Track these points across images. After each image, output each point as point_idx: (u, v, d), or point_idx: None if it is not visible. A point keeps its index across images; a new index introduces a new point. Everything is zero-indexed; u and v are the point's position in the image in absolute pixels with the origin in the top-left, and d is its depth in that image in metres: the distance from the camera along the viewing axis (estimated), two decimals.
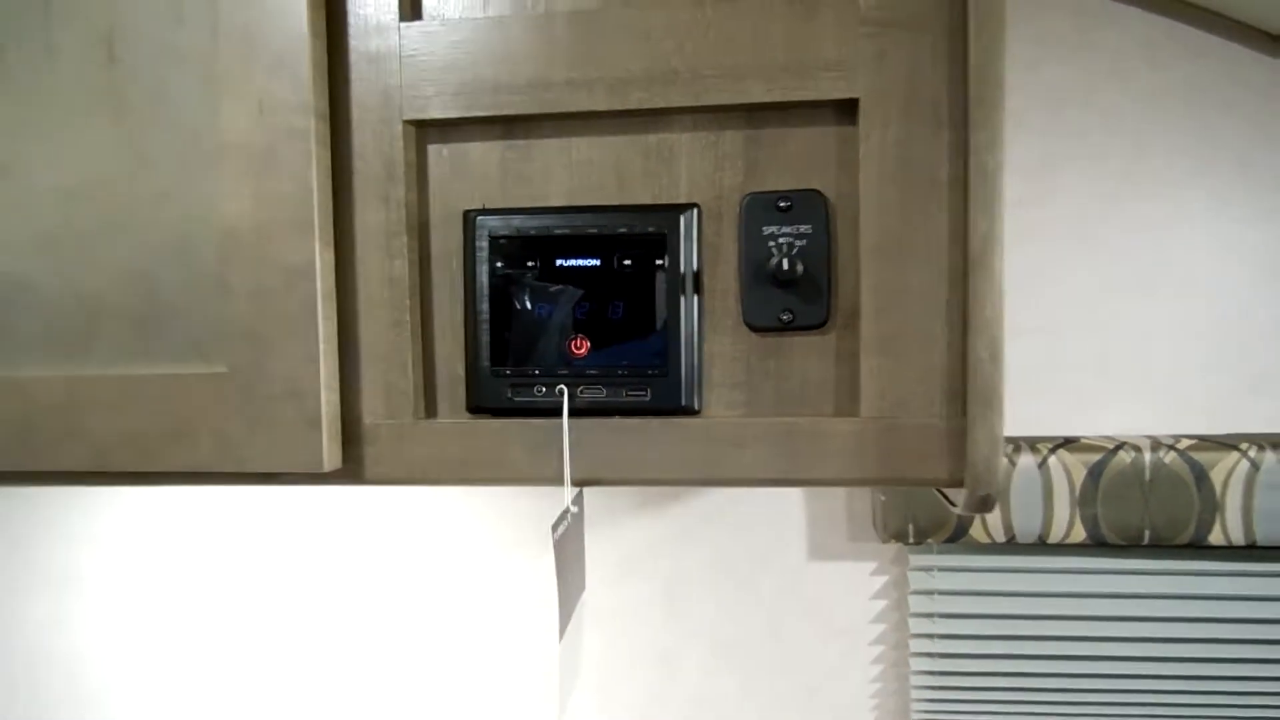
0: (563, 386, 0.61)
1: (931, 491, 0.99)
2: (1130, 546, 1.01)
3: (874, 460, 0.59)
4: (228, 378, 0.61)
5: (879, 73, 0.56)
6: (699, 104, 0.58)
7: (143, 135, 0.63)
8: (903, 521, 1.01)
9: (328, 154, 0.61)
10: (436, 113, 0.60)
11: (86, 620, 1.23)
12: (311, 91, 0.59)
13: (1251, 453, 0.96)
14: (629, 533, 1.13)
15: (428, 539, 1.16)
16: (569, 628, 0.66)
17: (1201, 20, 0.98)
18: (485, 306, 0.61)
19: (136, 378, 0.63)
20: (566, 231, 0.60)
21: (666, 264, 0.59)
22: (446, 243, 0.63)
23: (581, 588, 0.70)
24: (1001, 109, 0.53)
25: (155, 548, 1.20)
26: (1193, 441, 0.98)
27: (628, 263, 0.60)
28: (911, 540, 1.02)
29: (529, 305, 0.61)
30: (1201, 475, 0.96)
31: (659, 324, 0.60)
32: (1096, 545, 1.01)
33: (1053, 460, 0.98)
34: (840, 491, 1.10)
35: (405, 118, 0.61)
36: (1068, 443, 1.00)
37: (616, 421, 0.61)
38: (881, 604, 1.12)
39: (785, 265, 0.58)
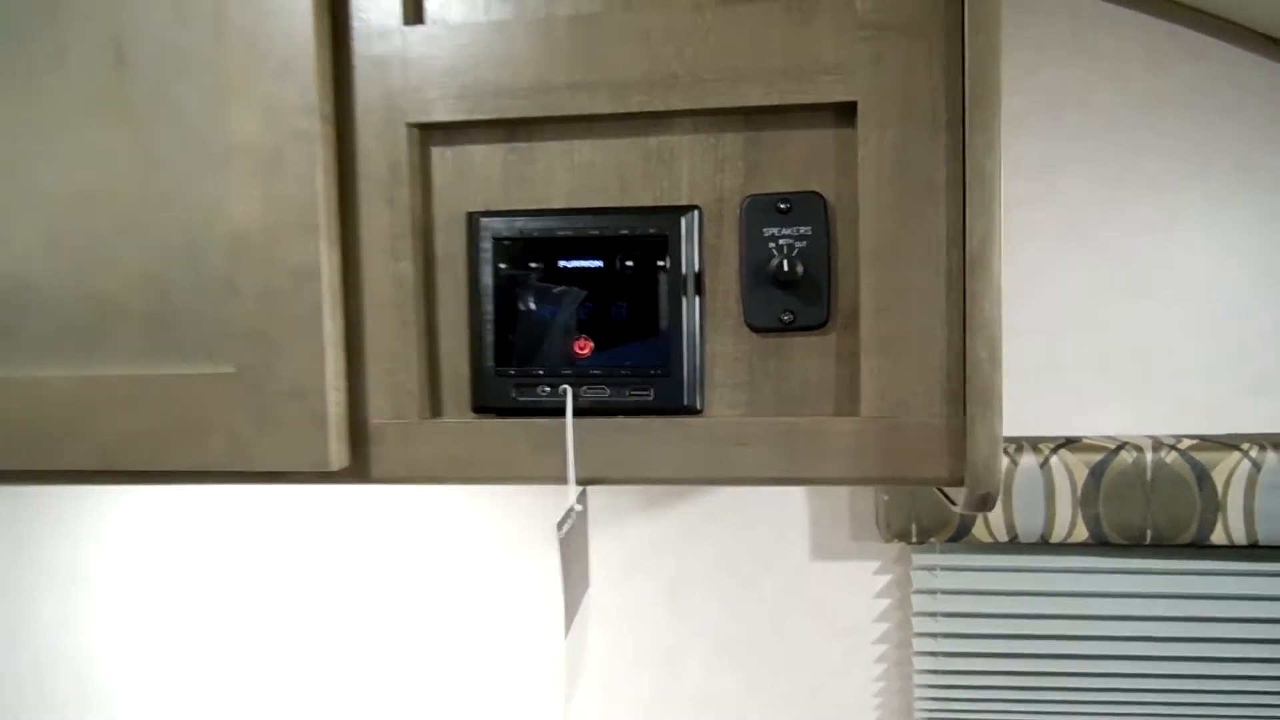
0: (566, 386, 0.62)
1: (933, 491, 1.00)
2: (1132, 546, 1.02)
3: (874, 459, 0.59)
4: (235, 378, 0.62)
5: (877, 76, 0.56)
6: (699, 107, 0.58)
7: (150, 138, 0.63)
8: (906, 521, 1.01)
9: (333, 157, 0.62)
10: (440, 116, 0.61)
11: (94, 619, 1.24)
12: (317, 95, 0.60)
13: (1253, 453, 0.96)
14: (633, 532, 1.14)
15: (433, 537, 1.17)
16: (574, 625, 0.66)
17: (1201, 23, 0.99)
18: (489, 307, 0.62)
19: (145, 378, 0.63)
20: (569, 233, 0.61)
21: (668, 265, 0.60)
22: (451, 244, 0.64)
23: (586, 585, 0.70)
24: (998, 112, 0.54)
25: (162, 547, 1.21)
26: (1194, 441, 0.98)
27: (630, 264, 0.60)
28: (914, 539, 1.02)
29: (532, 306, 0.62)
30: (1203, 475, 0.97)
31: (661, 325, 0.60)
32: (1099, 545, 1.01)
33: (1054, 460, 0.99)
34: (843, 491, 1.11)
35: (409, 121, 0.62)
36: (1069, 443, 1.00)
37: (619, 421, 0.62)
38: (884, 603, 1.12)
39: (785, 266, 0.58)
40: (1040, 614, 1.05)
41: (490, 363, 0.62)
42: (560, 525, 0.62)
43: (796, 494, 1.11)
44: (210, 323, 0.63)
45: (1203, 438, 0.99)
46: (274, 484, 0.65)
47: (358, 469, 0.64)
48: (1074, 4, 1.01)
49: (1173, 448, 0.98)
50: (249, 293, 0.62)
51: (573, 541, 0.65)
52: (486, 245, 0.62)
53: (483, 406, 0.63)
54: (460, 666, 1.18)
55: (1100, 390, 1.05)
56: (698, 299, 0.61)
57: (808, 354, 0.61)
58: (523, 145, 0.62)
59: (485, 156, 0.63)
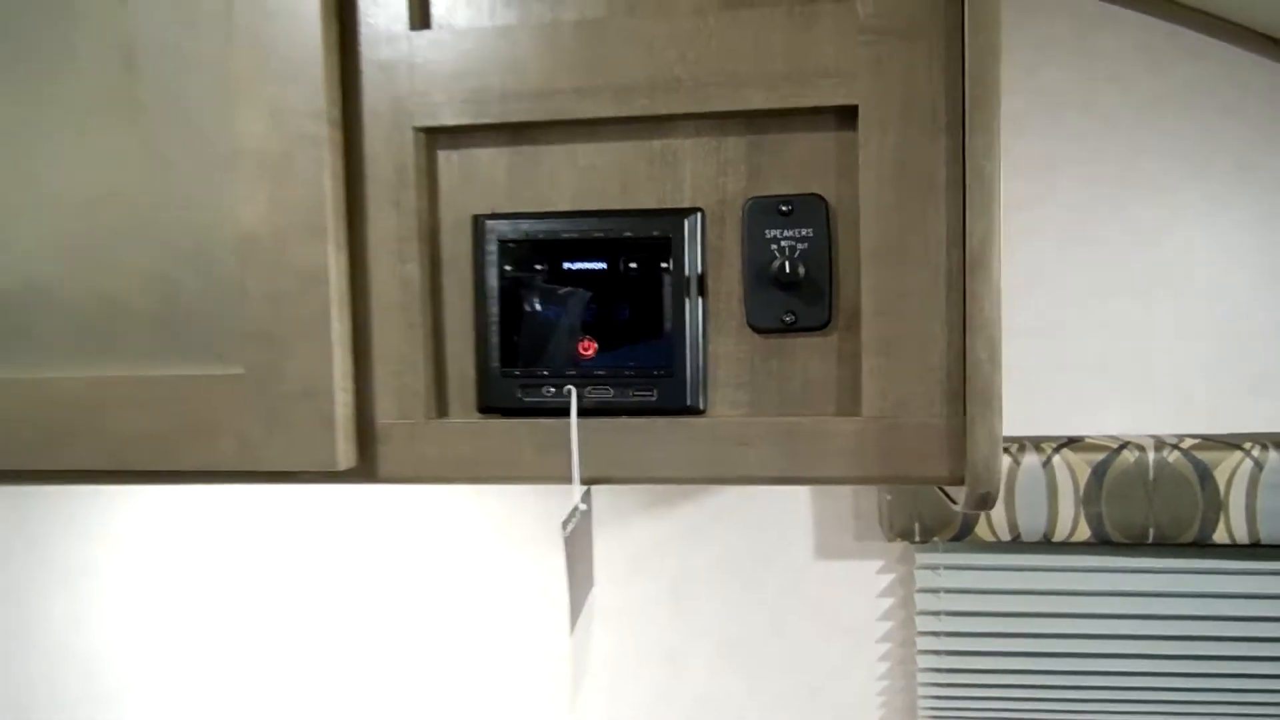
0: (571, 387, 0.62)
1: (935, 490, 1.00)
2: (1135, 545, 1.02)
3: (875, 459, 0.60)
4: (245, 379, 0.63)
5: (877, 79, 0.57)
6: (702, 111, 0.59)
7: (160, 141, 0.64)
8: (909, 520, 1.02)
9: (341, 160, 0.62)
10: (446, 120, 0.62)
11: (103, 618, 1.25)
12: (324, 99, 0.61)
13: (1255, 452, 0.96)
14: (637, 531, 1.15)
15: (439, 537, 1.18)
16: (579, 624, 0.67)
17: (1201, 24, 0.99)
18: (495, 309, 0.63)
19: (154, 379, 0.64)
20: (573, 235, 0.61)
21: (671, 267, 0.61)
22: (457, 246, 0.64)
23: (590, 584, 0.71)
24: (998, 114, 0.54)
25: (171, 546, 1.22)
26: (1196, 441, 0.99)
27: (633, 266, 0.61)
28: (917, 539, 1.02)
29: (537, 307, 0.62)
30: (1205, 474, 0.97)
31: (664, 326, 0.61)
32: (1101, 544, 1.02)
33: (1057, 459, 0.99)
34: (847, 490, 1.11)
35: (416, 125, 0.62)
36: (1072, 442, 1.01)
37: (623, 421, 0.62)
38: (888, 602, 1.12)
39: (787, 268, 0.59)
40: (1043, 613, 1.05)
41: (496, 364, 0.63)
42: (565, 524, 0.63)
43: (800, 494, 1.12)
44: (219, 324, 0.64)
45: (1205, 437, 1.00)
46: (282, 484, 0.66)
47: (365, 469, 0.65)
48: (1074, 4, 1.02)
49: (1175, 447, 0.98)
50: (257, 294, 0.62)
51: (577, 541, 0.66)
52: (492, 248, 0.62)
53: (488, 407, 0.64)
54: (465, 664, 1.19)
55: (1101, 390, 1.06)
56: (700, 300, 0.61)
57: (809, 354, 0.61)
58: (528, 149, 0.63)
59: (491, 160, 0.63)
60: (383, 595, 1.19)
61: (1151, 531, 0.98)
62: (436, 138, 0.64)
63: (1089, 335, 1.05)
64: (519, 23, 0.61)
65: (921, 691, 1.10)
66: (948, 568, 1.07)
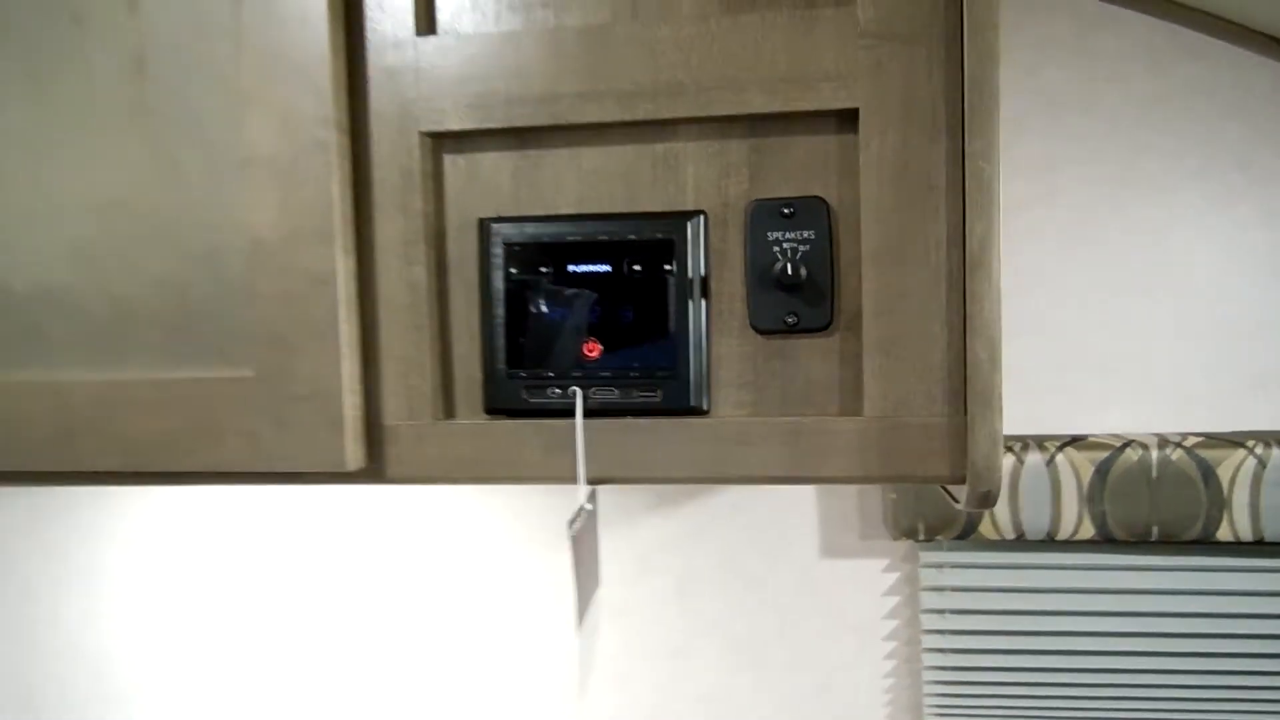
0: (576, 388, 0.63)
1: (938, 489, 1.01)
2: (1139, 543, 1.03)
3: (877, 458, 0.60)
4: (255, 381, 0.64)
5: (877, 83, 0.57)
6: (704, 114, 0.60)
7: (171, 148, 0.65)
8: (913, 519, 1.02)
9: (348, 165, 0.63)
10: (452, 125, 0.62)
11: (113, 618, 1.26)
12: (332, 105, 0.62)
13: (1258, 450, 0.97)
14: (643, 531, 1.15)
15: (446, 537, 1.18)
16: (586, 622, 0.67)
17: (1202, 23, 0.99)
18: (501, 311, 0.63)
19: (166, 381, 0.65)
20: (578, 238, 0.62)
21: (675, 269, 0.61)
22: (463, 249, 0.65)
23: (597, 583, 0.72)
24: (996, 117, 0.55)
25: (180, 547, 1.23)
26: (1199, 439, 0.99)
27: (637, 268, 0.62)
28: (922, 537, 1.03)
29: (543, 310, 0.63)
30: (1209, 472, 0.97)
31: (668, 327, 0.62)
32: (1105, 542, 1.02)
33: (1060, 458, 1.00)
34: (851, 489, 1.12)
35: (422, 129, 0.63)
36: (1075, 441, 1.01)
37: (628, 422, 0.63)
38: (893, 600, 1.13)
39: (790, 270, 0.59)
40: (1047, 610, 1.06)
41: (502, 365, 0.64)
42: (571, 524, 0.64)
43: (805, 493, 1.12)
44: (229, 327, 0.65)
45: (1208, 435, 1.00)
46: (292, 484, 0.66)
47: (373, 469, 0.66)
48: (1075, 4, 1.02)
49: (1178, 445, 0.98)
50: (267, 298, 0.63)
51: (583, 540, 0.67)
52: (498, 250, 0.63)
53: (495, 408, 0.64)
54: (473, 663, 1.20)
55: (1103, 389, 1.06)
56: (704, 302, 0.62)
57: (812, 355, 0.62)
58: (532, 153, 0.64)
59: (496, 164, 0.64)
60: (390, 595, 1.20)
61: (1155, 529, 0.99)
62: (442, 142, 0.64)
63: (1091, 334, 1.06)
64: (523, 28, 0.62)
65: (927, 689, 1.10)
66: (952, 566, 1.07)
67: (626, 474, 0.63)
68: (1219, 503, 0.97)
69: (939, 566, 1.07)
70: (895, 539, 1.05)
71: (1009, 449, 1.01)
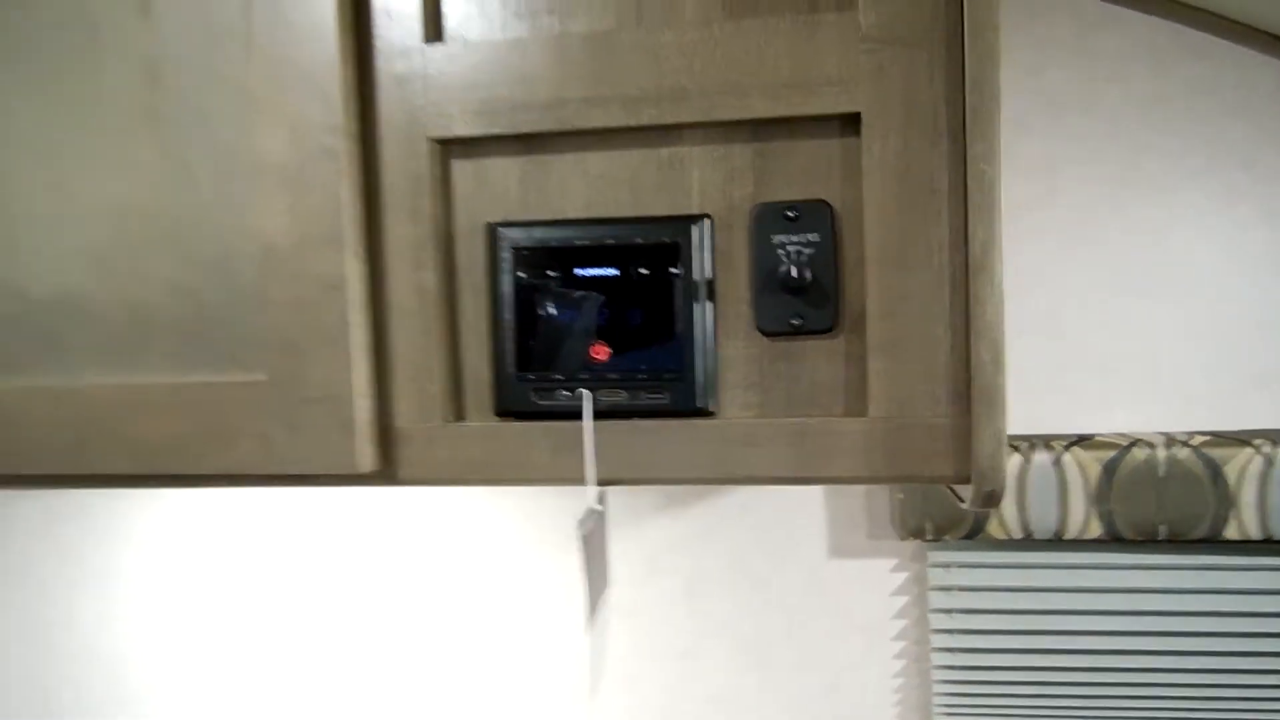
0: (584, 390, 0.64)
1: (944, 489, 1.01)
2: (1146, 542, 1.03)
3: (882, 458, 0.61)
4: (268, 385, 0.65)
5: (879, 87, 0.58)
6: (708, 119, 0.60)
7: (184, 156, 0.66)
8: (920, 519, 1.03)
9: (358, 171, 0.64)
10: (459, 131, 0.63)
11: (128, 620, 1.27)
12: (342, 113, 0.63)
13: (1265, 448, 0.97)
14: (651, 531, 1.16)
15: (457, 538, 1.19)
16: (596, 623, 0.68)
17: (1204, 23, 0.99)
18: (509, 314, 0.64)
19: (181, 385, 0.66)
20: (585, 242, 0.63)
21: (681, 272, 0.62)
22: (471, 254, 0.66)
23: (607, 583, 0.72)
24: (998, 119, 0.55)
25: (193, 549, 1.24)
26: (1206, 438, 0.99)
27: (644, 271, 0.62)
28: (929, 537, 1.03)
29: (550, 313, 0.64)
30: (1216, 471, 0.97)
31: (675, 330, 0.62)
32: (1113, 541, 1.02)
33: (1067, 458, 1.00)
34: (859, 490, 1.12)
35: (430, 136, 0.64)
36: (1081, 440, 1.01)
37: (636, 423, 0.63)
38: (902, 600, 1.13)
39: (794, 272, 0.60)
40: (1056, 609, 1.06)
41: (511, 368, 0.64)
42: (581, 525, 0.64)
43: (813, 493, 1.13)
44: (241, 332, 0.66)
45: (1215, 434, 1.00)
46: (306, 486, 0.67)
47: (385, 472, 0.67)
48: (1076, 5, 1.02)
49: (1185, 444, 0.98)
50: (279, 303, 0.64)
51: (593, 541, 0.67)
52: (506, 255, 0.64)
53: (504, 410, 0.65)
54: (484, 663, 1.20)
55: (1108, 389, 1.06)
56: (710, 305, 0.62)
57: (817, 357, 0.62)
58: (539, 158, 0.64)
59: (503, 169, 0.65)
60: (402, 596, 1.21)
61: (1163, 528, 0.99)
62: (450, 148, 0.65)
63: (1095, 334, 1.06)
64: (529, 35, 0.62)
65: (936, 689, 1.11)
66: (960, 566, 1.07)
67: (635, 475, 0.64)
68: (1226, 501, 0.97)
69: (947, 566, 1.08)
70: (903, 539, 1.06)
71: (1015, 449, 1.01)
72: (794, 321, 0.62)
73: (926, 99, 0.58)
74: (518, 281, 0.64)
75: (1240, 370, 1.04)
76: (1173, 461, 0.98)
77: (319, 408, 0.64)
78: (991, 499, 0.59)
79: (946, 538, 1.03)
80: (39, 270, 0.68)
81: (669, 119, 0.61)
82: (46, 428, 0.68)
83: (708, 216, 0.62)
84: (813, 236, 0.61)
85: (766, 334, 0.63)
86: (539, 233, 0.63)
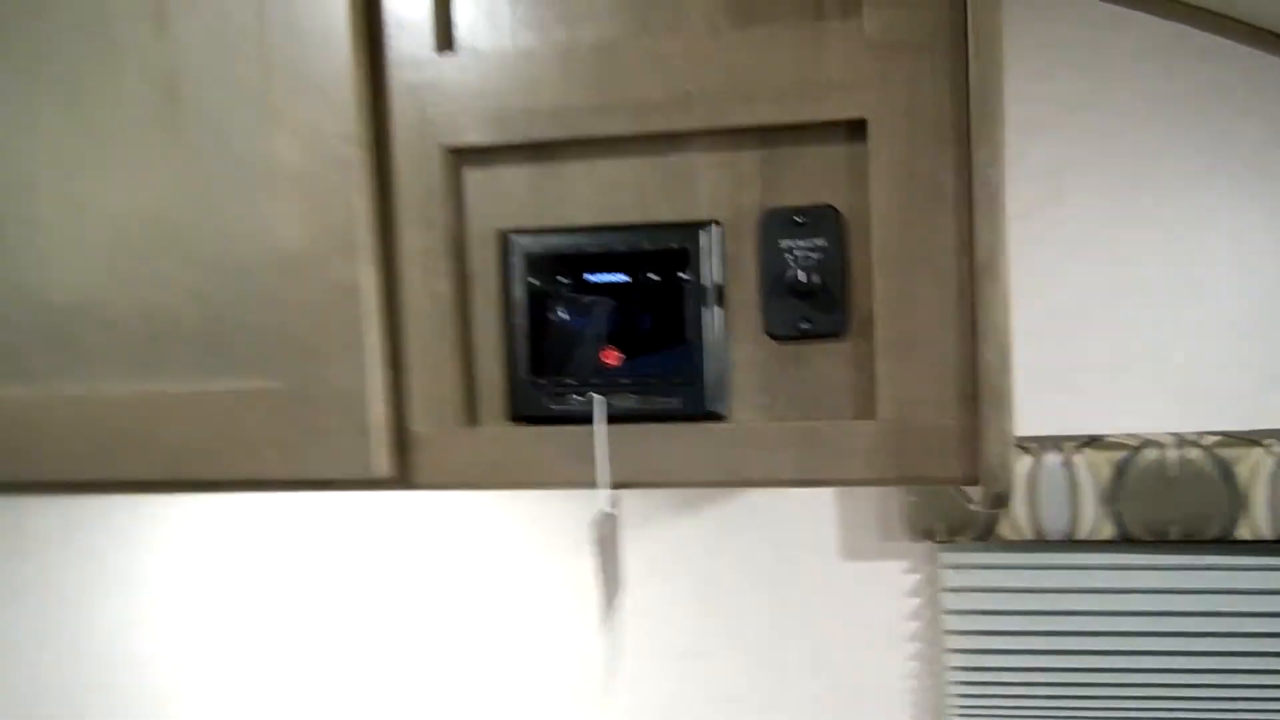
0: (596, 395, 0.64)
1: (954, 490, 1.01)
2: (1158, 542, 1.03)
3: (892, 461, 0.61)
4: (285, 391, 0.66)
5: (884, 93, 0.58)
6: (716, 126, 0.61)
7: (201, 166, 0.67)
8: (932, 520, 1.03)
9: (372, 180, 0.65)
10: (471, 139, 0.64)
11: (151, 623, 1.28)
12: (355, 122, 0.64)
13: (1276, 448, 0.97)
14: (664, 534, 1.16)
15: (470, 543, 1.20)
16: (609, 625, 0.69)
17: (1214, 24, 0.99)
18: (522, 320, 0.65)
19: (200, 392, 0.67)
20: (595, 249, 0.63)
21: (690, 278, 0.62)
22: (484, 261, 0.66)
23: (620, 586, 0.73)
24: (1002, 124, 0.56)
25: (213, 553, 1.26)
26: (1217, 438, 0.99)
27: (654, 277, 0.63)
28: (941, 539, 1.03)
29: (562, 319, 0.64)
30: (1227, 471, 0.97)
31: (685, 334, 0.63)
32: (1124, 541, 1.02)
33: (1078, 459, 1.00)
34: (871, 492, 1.12)
35: (442, 144, 0.64)
36: (1092, 441, 1.01)
37: (648, 427, 0.64)
38: (915, 602, 1.13)
39: (802, 277, 0.60)
40: (1069, 610, 1.06)
41: (524, 373, 0.65)
42: (594, 528, 0.65)
43: (825, 496, 1.13)
44: (259, 339, 0.67)
45: (1226, 434, 1.00)
46: (323, 491, 0.68)
47: (401, 476, 0.67)
48: (1084, 8, 1.02)
49: (1196, 444, 0.98)
50: (295, 310, 0.65)
51: (606, 544, 0.68)
52: (517, 261, 0.64)
53: (518, 415, 0.66)
54: (497, 666, 1.21)
55: (1119, 390, 1.06)
56: (720, 310, 0.63)
57: (825, 360, 0.63)
58: (549, 165, 0.65)
59: (514, 176, 0.66)
60: (416, 599, 1.22)
61: (1174, 529, 0.99)
62: (462, 156, 0.66)
63: (1106, 335, 1.06)
64: (538, 45, 0.63)
65: (950, 690, 1.11)
66: (973, 567, 1.08)
67: (647, 478, 0.65)
68: (1238, 501, 0.97)
69: (959, 568, 1.08)
70: (915, 541, 1.06)
71: (1026, 450, 1.01)
72: (803, 325, 0.62)
73: (931, 104, 0.58)
74: (529, 288, 0.64)
75: (1251, 370, 1.04)
76: (1184, 462, 0.98)
77: (335, 413, 0.65)
78: (1000, 500, 0.59)
79: (958, 539, 1.03)
80: (60, 279, 0.70)
81: (677, 126, 0.61)
82: (69, 435, 0.70)
83: (716, 222, 0.63)
84: (820, 241, 0.61)
85: (775, 338, 0.63)
86: (550, 240, 0.64)
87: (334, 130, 0.64)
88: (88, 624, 1.30)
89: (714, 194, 0.63)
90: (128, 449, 0.69)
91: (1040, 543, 1.06)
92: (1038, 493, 1.01)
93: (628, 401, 0.64)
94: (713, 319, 0.63)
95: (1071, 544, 1.05)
